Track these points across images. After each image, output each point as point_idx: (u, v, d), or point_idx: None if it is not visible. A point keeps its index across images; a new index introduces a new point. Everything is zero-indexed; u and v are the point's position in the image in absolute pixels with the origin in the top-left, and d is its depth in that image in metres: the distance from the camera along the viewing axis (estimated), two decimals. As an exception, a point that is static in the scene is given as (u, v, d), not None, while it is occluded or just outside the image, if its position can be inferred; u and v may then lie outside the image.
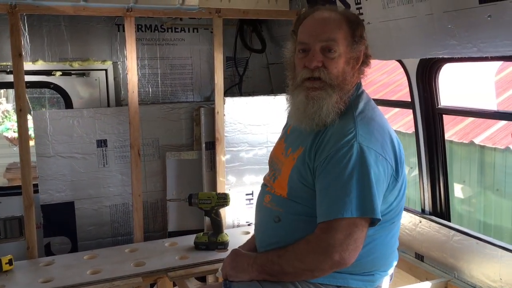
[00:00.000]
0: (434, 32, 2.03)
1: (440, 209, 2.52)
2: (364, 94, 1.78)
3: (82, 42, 3.06)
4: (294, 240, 1.65)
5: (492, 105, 4.99)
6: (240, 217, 3.14)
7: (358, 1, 2.40)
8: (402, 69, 2.57)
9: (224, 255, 2.62)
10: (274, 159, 1.90)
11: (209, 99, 3.39)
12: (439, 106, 2.45)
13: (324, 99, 1.65)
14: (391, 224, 1.73)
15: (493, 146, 4.78)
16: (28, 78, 2.70)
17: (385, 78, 6.32)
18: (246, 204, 3.14)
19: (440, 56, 2.12)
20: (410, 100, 2.54)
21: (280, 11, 2.99)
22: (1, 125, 6.56)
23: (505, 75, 5.37)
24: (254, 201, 1.96)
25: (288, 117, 1.87)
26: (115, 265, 2.50)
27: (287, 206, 1.72)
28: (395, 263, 1.85)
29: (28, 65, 2.86)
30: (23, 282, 2.36)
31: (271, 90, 3.60)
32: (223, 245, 2.69)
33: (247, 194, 3.14)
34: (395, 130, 1.76)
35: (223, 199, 2.72)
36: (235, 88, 3.50)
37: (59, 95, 3.14)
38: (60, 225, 2.95)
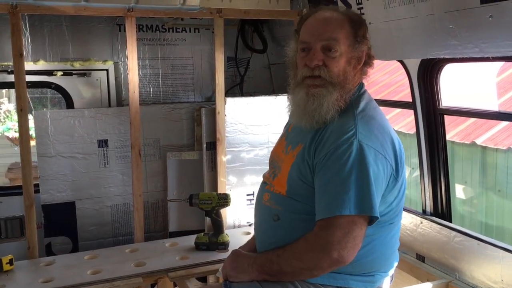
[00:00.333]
0: (435, 32, 2.03)
1: (441, 210, 2.51)
2: (366, 94, 1.78)
3: (83, 42, 3.06)
4: (294, 239, 1.65)
5: (493, 106, 4.98)
6: (240, 218, 3.13)
7: (360, 1, 2.40)
8: (403, 70, 2.57)
9: (224, 255, 2.61)
10: (275, 157, 1.90)
11: (210, 99, 3.39)
12: (440, 107, 2.44)
13: (324, 96, 1.65)
14: (390, 224, 1.73)
15: (495, 147, 4.77)
16: (29, 78, 2.71)
17: (386, 79, 6.32)
18: (247, 205, 3.14)
19: (441, 57, 2.11)
20: (411, 100, 2.54)
21: (281, 11, 2.99)
22: (2, 125, 6.57)
23: (507, 76, 5.36)
24: (255, 201, 1.96)
25: (290, 116, 1.88)
26: (115, 265, 2.50)
27: (286, 204, 1.72)
28: (395, 263, 1.84)
29: (29, 65, 2.87)
30: (23, 282, 2.36)
31: (272, 90, 3.59)
32: (224, 246, 2.69)
33: (248, 195, 3.14)
34: (396, 131, 1.76)
35: (224, 200, 2.72)
36: (236, 88, 3.50)
37: (60, 95, 3.14)
38: (61, 225, 2.95)
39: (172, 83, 3.34)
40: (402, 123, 5.54)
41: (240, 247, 2.05)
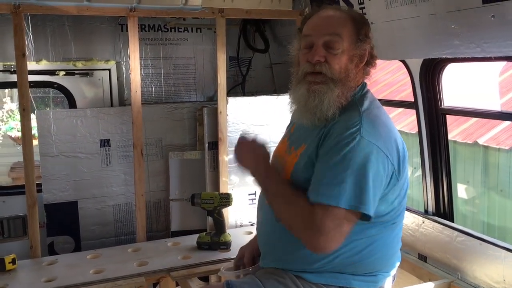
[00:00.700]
0: (437, 32, 2.02)
1: (443, 209, 2.51)
2: (369, 94, 1.78)
3: (85, 42, 3.07)
4: (296, 239, 1.64)
5: (495, 106, 4.97)
6: (242, 217, 3.14)
7: (361, 1, 2.40)
8: (405, 69, 2.57)
9: (226, 255, 2.63)
10: (277, 158, 1.89)
11: (212, 99, 3.39)
12: (442, 106, 2.44)
13: (325, 93, 1.65)
14: (392, 224, 1.73)
15: (497, 147, 4.76)
16: (31, 77, 2.72)
17: (388, 78, 6.31)
18: (249, 204, 3.14)
19: (443, 56, 2.11)
20: (413, 100, 2.54)
21: (283, 11, 2.99)
22: (5, 125, 6.58)
23: (509, 76, 5.35)
24: (257, 201, 1.96)
25: (292, 116, 1.88)
26: (118, 265, 2.50)
27: None
28: (397, 263, 1.84)
29: (31, 65, 2.87)
30: (26, 281, 2.37)
31: (274, 90, 3.59)
32: (226, 245, 2.69)
33: (249, 194, 3.14)
34: (398, 130, 1.75)
35: (226, 199, 2.72)
36: (238, 88, 3.50)
37: (63, 95, 3.15)
38: (64, 224, 2.96)
39: (174, 82, 3.34)
40: (404, 122, 5.52)
41: (243, 247, 2.06)
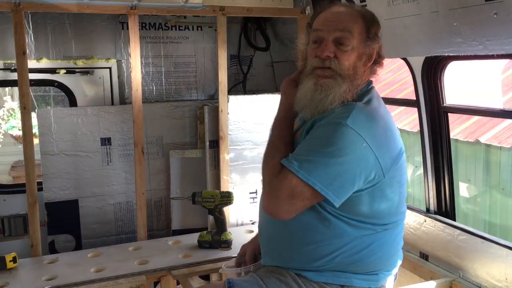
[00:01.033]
0: (439, 30, 2.01)
1: (445, 208, 2.50)
2: (373, 90, 1.77)
3: (86, 40, 3.07)
4: (297, 238, 1.64)
5: (498, 104, 4.96)
6: (243, 216, 3.13)
7: (363, -1, 2.39)
8: (407, 67, 2.56)
9: (227, 253, 2.62)
10: None
11: (213, 97, 3.39)
12: (444, 105, 2.43)
13: (332, 88, 1.64)
14: (394, 223, 1.72)
15: (499, 145, 4.75)
16: (32, 76, 2.72)
17: (390, 76, 6.30)
18: (250, 203, 3.14)
19: (445, 54, 2.10)
20: (415, 98, 2.53)
21: (284, 9, 2.98)
22: (6, 123, 6.58)
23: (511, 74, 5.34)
24: (258, 200, 1.96)
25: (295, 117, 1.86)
26: (118, 263, 2.50)
27: None
28: (399, 262, 1.84)
29: (32, 63, 2.87)
30: (27, 279, 2.37)
31: (275, 88, 3.59)
32: (227, 244, 2.69)
33: (250, 193, 3.14)
34: (399, 129, 1.75)
35: (227, 198, 2.72)
36: (239, 86, 3.50)
37: (63, 93, 3.14)
38: (64, 223, 2.96)
39: (175, 81, 3.34)
40: (406, 121, 5.52)
41: (244, 245, 2.05)
